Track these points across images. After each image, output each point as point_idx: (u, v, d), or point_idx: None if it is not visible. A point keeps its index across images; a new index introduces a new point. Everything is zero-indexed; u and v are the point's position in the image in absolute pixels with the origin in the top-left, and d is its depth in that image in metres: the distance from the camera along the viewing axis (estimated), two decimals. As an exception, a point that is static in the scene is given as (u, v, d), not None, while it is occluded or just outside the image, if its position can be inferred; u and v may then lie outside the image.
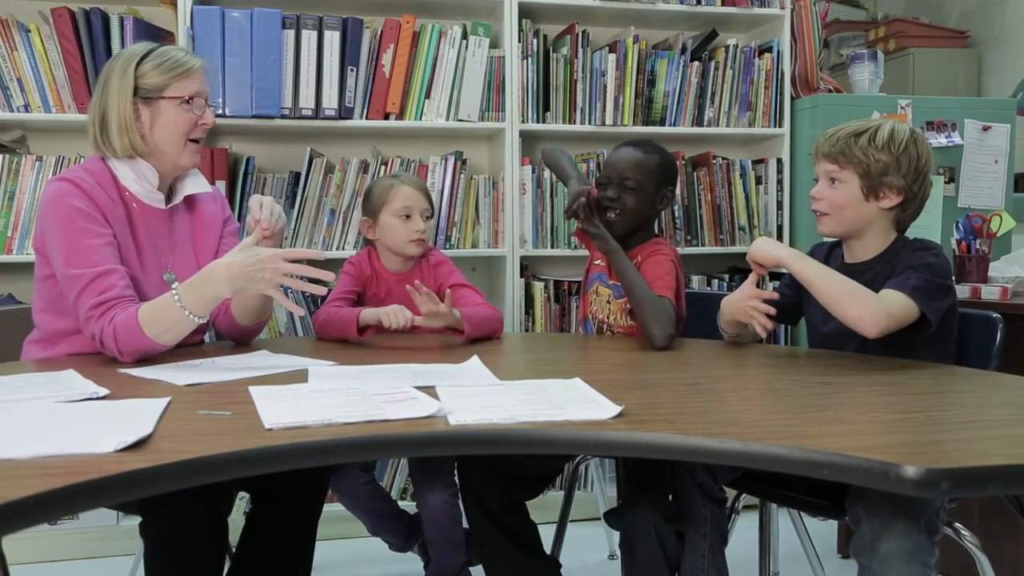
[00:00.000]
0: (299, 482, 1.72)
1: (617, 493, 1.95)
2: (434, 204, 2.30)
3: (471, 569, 2.15)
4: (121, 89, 1.81)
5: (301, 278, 1.66)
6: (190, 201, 1.98)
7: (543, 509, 2.04)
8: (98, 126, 1.84)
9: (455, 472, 2.00)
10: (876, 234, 1.80)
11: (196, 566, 1.47)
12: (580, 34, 2.92)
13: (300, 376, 1.55)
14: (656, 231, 2.29)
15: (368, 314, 2.04)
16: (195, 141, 1.88)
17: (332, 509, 2.73)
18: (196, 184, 1.96)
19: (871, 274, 1.77)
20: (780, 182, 3.08)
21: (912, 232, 1.86)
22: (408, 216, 2.20)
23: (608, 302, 2.19)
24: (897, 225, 1.82)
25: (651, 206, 2.15)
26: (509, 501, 1.90)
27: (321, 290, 1.81)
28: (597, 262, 2.24)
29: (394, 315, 1.99)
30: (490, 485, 1.87)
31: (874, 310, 1.60)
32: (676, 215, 3.01)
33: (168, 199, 1.92)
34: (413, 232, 2.19)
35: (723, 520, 1.73)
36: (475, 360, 1.70)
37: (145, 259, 1.86)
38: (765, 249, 1.82)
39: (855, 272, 1.77)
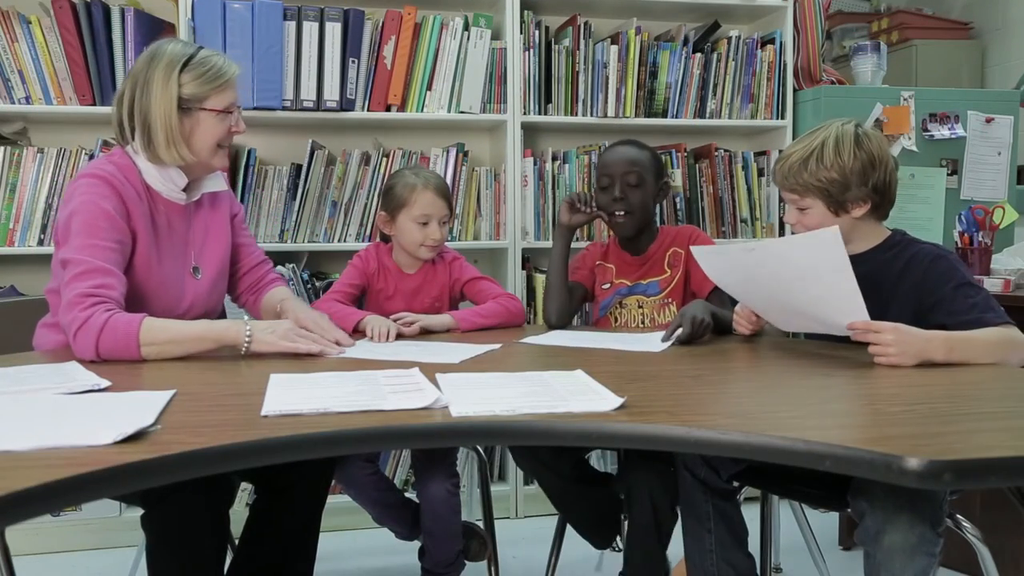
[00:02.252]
0: (303, 473, 1.72)
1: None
2: (453, 205, 2.27)
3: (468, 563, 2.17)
4: (165, 97, 1.78)
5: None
6: (205, 196, 1.98)
7: (546, 501, 2.04)
8: (139, 128, 1.80)
9: (456, 462, 2.01)
10: (863, 235, 1.77)
11: (198, 558, 1.47)
12: (582, 25, 2.91)
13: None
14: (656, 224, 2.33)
15: (364, 324, 2.04)
16: (225, 146, 1.89)
17: (335, 500, 2.73)
18: (214, 182, 1.97)
19: (874, 264, 1.74)
20: (782, 174, 3.07)
21: (914, 225, 1.85)
22: (426, 223, 2.18)
23: (640, 307, 2.21)
24: (880, 220, 1.80)
25: (653, 199, 2.22)
26: (575, 462, 1.97)
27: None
28: (605, 286, 2.27)
29: (378, 329, 1.98)
30: (557, 456, 1.92)
31: (1017, 350, 1.57)
32: (678, 207, 3.01)
33: (187, 194, 1.92)
34: (428, 239, 2.18)
35: (732, 513, 1.71)
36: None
37: (164, 252, 1.86)
38: (912, 354, 1.52)
39: (854, 263, 1.76)
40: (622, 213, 2.17)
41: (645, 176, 2.17)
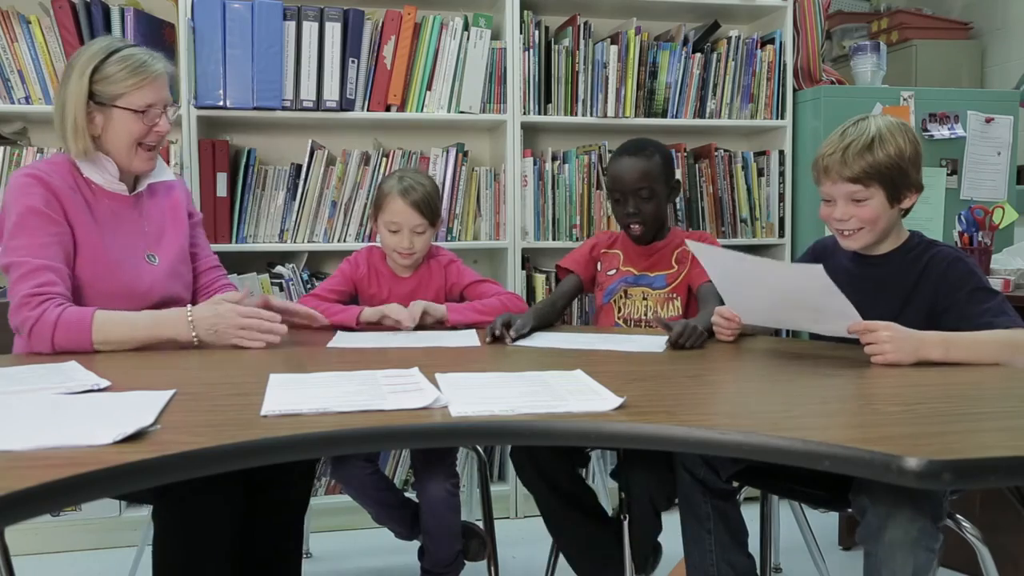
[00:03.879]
0: (285, 472, 1.72)
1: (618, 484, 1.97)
2: (438, 211, 2.22)
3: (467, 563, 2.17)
4: (77, 91, 1.81)
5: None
6: (158, 187, 2.00)
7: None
8: (57, 117, 1.85)
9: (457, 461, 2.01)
10: (894, 233, 1.78)
11: (205, 555, 1.47)
12: (582, 25, 2.91)
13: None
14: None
15: (369, 313, 2.06)
16: (149, 147, 1.89)
17: (335, 500, 2.74)
18: (160, 172, 1.99)
19: (894, 265, 1.75)
20: (782, 174, 3.08)
21: (914, 225, 1.84)
22: (396, 231, 2.17)
23: (645, 299, 2.22)
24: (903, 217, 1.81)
25: (666, 201, 2.25)
26: (572, 472, 1.93)
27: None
28: (611, 272, 2.28)
29: (399, 312, 2.01)
30: (555, 460, 1.89)
31: (1021, 353, 1.56)
32: (678, 207, 3.01)
33: (134, 187, 1.95)
34: (399, 246, 2.17)
35: (732, 513, 1.72)
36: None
37: (110, 241, 1.87)
38: (908, 351, 1.53)
39: (874, 266, 1.76)
40: (638, 225, 2.21)
41: (656, 187, 2.19)
